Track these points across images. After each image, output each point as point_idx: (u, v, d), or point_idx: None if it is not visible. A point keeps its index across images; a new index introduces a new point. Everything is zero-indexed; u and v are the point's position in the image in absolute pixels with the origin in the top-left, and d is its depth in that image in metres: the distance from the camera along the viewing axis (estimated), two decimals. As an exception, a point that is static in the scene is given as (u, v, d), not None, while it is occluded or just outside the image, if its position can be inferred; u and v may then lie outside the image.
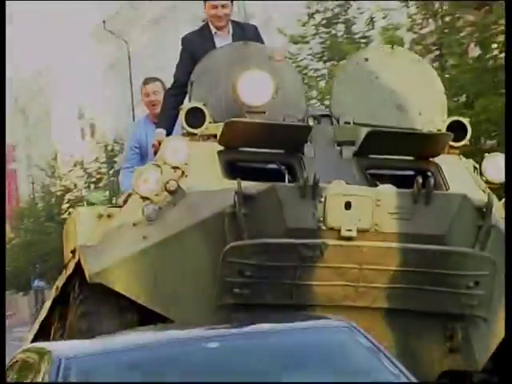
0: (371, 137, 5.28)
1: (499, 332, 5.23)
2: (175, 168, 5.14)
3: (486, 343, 5.31)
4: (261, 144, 5.30)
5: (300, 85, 6.10)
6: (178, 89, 5.83)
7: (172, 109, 5.76)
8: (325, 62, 17.47)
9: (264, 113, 5.38)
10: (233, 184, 4.99)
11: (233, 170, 5.27)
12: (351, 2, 17.97)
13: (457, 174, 5.50)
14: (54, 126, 48.13)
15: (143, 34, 38.97)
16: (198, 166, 5.22)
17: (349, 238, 5.02)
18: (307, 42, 17.42)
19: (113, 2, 39.74)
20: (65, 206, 33.39)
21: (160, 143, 5.50)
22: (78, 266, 5.23)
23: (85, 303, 5.23)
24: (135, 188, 5.15)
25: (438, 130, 5.64)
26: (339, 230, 5.00)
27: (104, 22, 38.95)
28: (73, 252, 5.51)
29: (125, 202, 5.52)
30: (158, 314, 5.09)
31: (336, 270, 5.03)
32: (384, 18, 16.80)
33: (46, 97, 51.43)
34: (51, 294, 6.31)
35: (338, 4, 17.82)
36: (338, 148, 5.42)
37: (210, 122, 5.35)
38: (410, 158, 5.51)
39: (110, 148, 31.18)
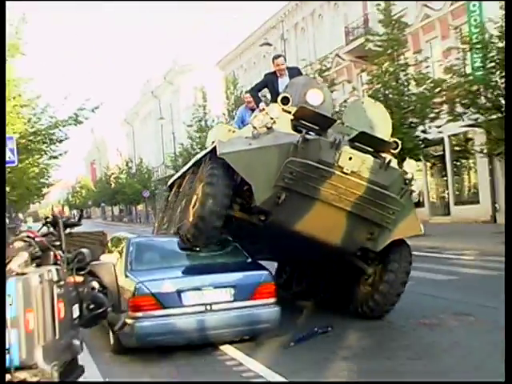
0: (360, 134, 8.87)
1: (391, 237, 9.13)
2: (272, 118, 8.76)
3: (385, 240, 9.14)
4: (311, 121, 9.01)
5: (331, 101, 10.02)
6: (256, 91, 10.38)
7: (259, 97, 10.33)
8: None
9: (316, 108, 9.17)
10: (297, 134, 8.62)
11: (296, 129, 8.99)
12: None
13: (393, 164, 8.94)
14: (109, 154, 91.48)
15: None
16: (281, 122, 8.85)
17: (346, 173, 8.42)
18: None
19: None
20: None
21: (264, 109, 9.25)
22: (214, 149, 8.82)
23: (211, 167, 8.72)
24: (251, 122, 8.90)
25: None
26: (343, 168, 8.39)
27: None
28: (213, 142, 9.36)
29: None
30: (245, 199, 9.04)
31: (335, 186, 8.42)
32: None
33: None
34: (191, 161, 10.77)
35: None
36: (341, 135, 9.01)
37: (291, 105, 9.14)
38: (372, 149, 8.96)
39: (127, 161, 71.54)
